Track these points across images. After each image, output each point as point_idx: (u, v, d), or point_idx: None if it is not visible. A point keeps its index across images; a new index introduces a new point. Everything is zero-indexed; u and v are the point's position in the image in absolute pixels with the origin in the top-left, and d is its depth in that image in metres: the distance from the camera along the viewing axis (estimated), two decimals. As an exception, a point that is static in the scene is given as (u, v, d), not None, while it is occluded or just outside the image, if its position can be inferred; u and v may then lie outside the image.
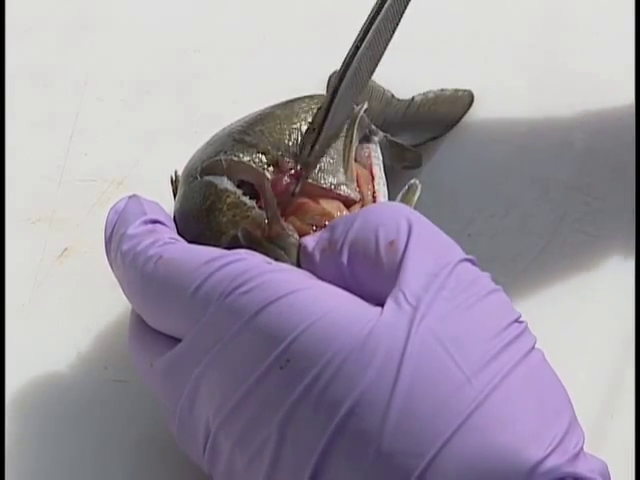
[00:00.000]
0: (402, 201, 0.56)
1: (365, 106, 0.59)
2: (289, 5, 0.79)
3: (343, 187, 0.56)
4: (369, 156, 0.59)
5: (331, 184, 0.56)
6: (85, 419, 0.61)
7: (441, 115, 0.71)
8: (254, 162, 0.56)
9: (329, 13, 0.80)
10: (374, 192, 0.57)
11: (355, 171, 0.57)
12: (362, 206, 0.56)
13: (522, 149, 0.71)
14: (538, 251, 0.66)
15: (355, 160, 0.58)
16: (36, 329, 0.65)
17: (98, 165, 0.74)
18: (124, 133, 0.76)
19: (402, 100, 0.71)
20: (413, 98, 0.71)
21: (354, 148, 0.58)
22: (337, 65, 0.60)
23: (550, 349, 0.58)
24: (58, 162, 0.74)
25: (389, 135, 0.64)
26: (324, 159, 0.56)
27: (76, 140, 0.75)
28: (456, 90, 0.72)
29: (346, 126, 0.58)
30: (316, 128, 0.56)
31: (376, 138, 0.62)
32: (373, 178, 0.58)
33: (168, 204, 0.66)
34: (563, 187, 0.69)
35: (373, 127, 0.62)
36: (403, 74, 0.73)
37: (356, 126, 0.58)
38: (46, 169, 0.73)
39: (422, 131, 0.71)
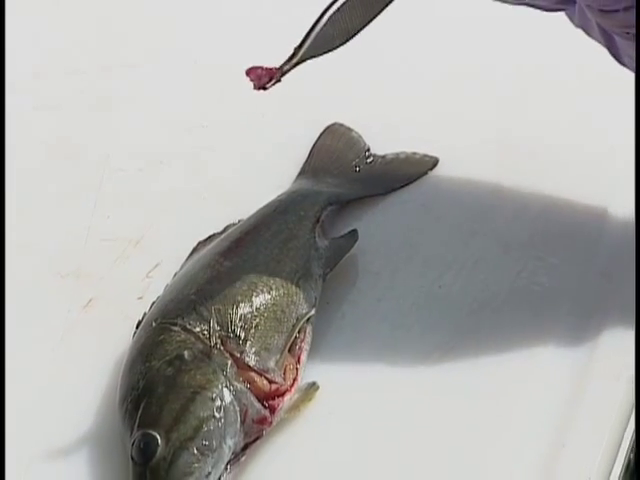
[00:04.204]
0: (299, 399, 0.65)
1: (311, 313, 0.67)
2: (284, 85, 0.79)
3: (271, 373, 0.64)
4: (302, 343, 0.67)
5: (263, 368, 0.64)
6: (110, 455, 0.65)
7: (403, 173, 0.78)
8: (203, 334, 0.64)
9: (321, 89, 0.83)
10: (295, 377, 0.65)
11: (285, 360, 0.65)
12: (281, 387, 0.64)
13: (484, 213, 0.75)
14: (501, 299, 0.70)
15: (289, 349, 0.66)
16: (64, 370, 0.69)
17: (119, 227, 0.77)
18: (141, 198, 0.79)
19: (376, 155, 0.79)
20: (385, 155, 0.78)
21: (289, 346, 0.66)
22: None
23: (509, 378, 0.66)
24: (84, 224, 0.77)
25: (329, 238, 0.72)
26: (265, 347, 0.64)
27: (99, 205, 0.78)
28: (425, 155, 0.78)
29: (291, 325, 0.66)
30: (296, 48, 0.62)
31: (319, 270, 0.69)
32: (299, 362, 0.66)
33: (179, 261, 0.72)
34: (521, 245, 0.73)
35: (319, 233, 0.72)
36: (384, 130, 0.79)
37: (297, 329, 0.66)
38: (74, 230, 0.77)
39: (381, 183, 0.77)
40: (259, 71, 0.62)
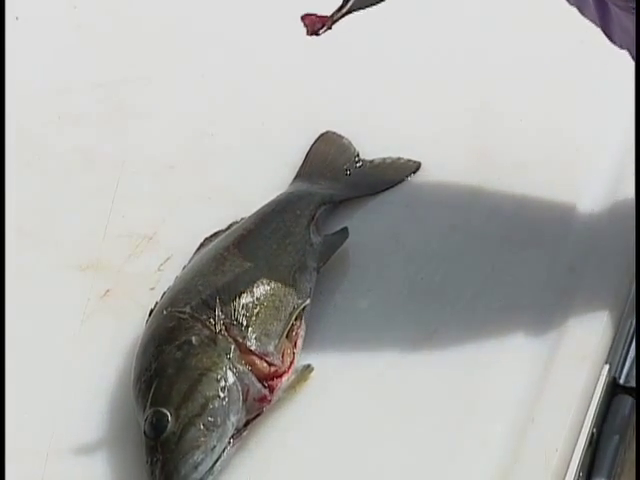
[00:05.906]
0: (295, 380, 0.68)
1: (306, 302, 0.70)
2: (282, 96, 0.84)
3: (271, 356, 0.66)
4: (299, 329, 0.69)
5: (263, 352, 0.66)
6: (125, 431, 0.67)
7: (389, 176, 0.80)
8: (209, 321, 0.67)
9: (315, 101, 0.86)
10: (292, 360, 0.68)
11: (283, 345, 0.68)
12: (280, 369, 0.67)
13: (462, 212, 0.78)
14: (477, 289, 0.73)
15: (287, 335, 0.69)
16: (83, 353, 0.72)
17: (133, 224, 0.79)
18: (154, 199, 0.81)
19: (365, 160, 0.81)
20: (373, 160, 0.81)
21: (286, 332, 0.68)
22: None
23: (484, 359, 0.69)
24: (102, 222, 0.79)
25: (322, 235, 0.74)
26: (265, 333, 0.67)
27: (116, 205, 0.81)
28: (409, 160, 0.81)
29: (288, 313, 0.68)
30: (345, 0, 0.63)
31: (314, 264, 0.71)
32: (295, 347, 0.69)
33: (187, 255, 0.75)
34: (494, 241, 0.75)
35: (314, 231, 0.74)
36: (372, 137, 0.82)
37: (294, 317, 0.68)
38: (93, 228, 0.80)
39: (370, 185, 0.80)
40: (313, 18, 0.62)
